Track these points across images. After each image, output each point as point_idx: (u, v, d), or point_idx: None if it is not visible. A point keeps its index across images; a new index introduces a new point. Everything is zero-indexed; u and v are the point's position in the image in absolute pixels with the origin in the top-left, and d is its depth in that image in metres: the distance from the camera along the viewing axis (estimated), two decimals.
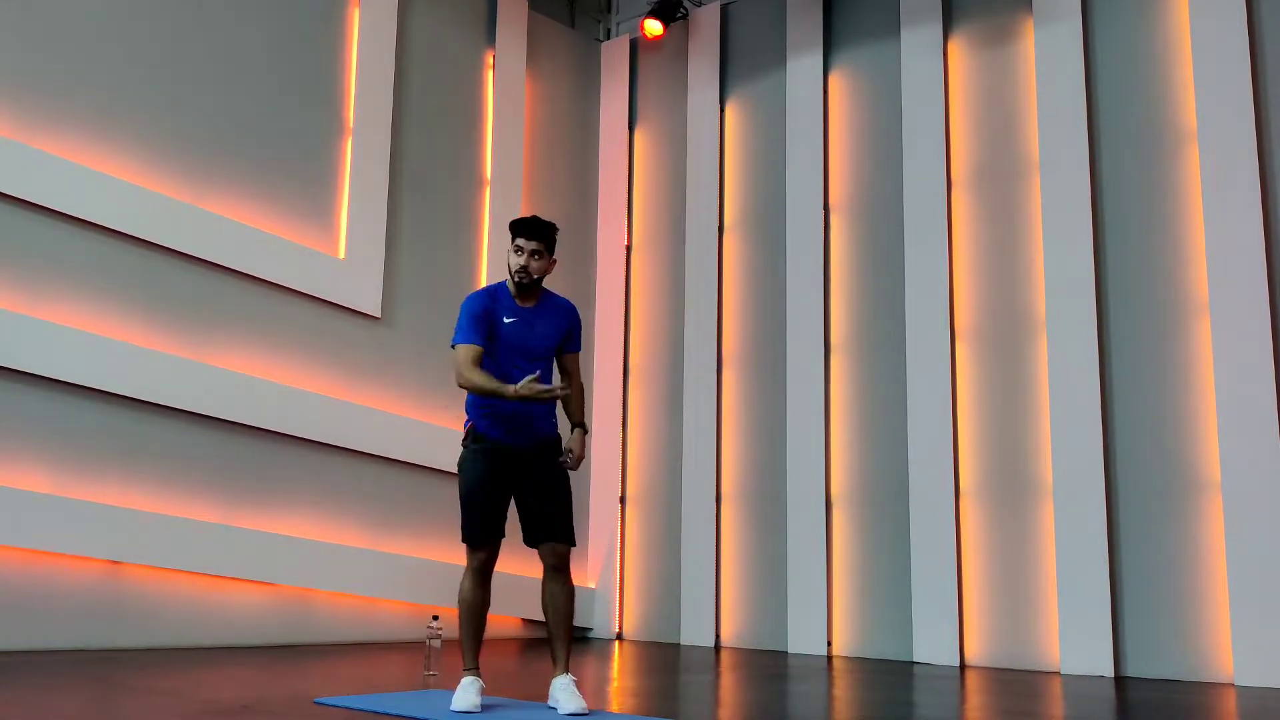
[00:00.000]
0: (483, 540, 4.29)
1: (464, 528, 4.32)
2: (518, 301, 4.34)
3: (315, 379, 7.58)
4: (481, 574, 4.31)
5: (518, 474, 4.33)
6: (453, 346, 4.29)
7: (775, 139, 8.79)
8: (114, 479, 6.54)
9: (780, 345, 8.46)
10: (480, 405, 4.33)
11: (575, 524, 4.49)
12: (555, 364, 4.51)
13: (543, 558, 4.35)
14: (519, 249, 4.26)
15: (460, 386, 4.25)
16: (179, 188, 7.03)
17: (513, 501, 4.39)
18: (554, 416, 4.44)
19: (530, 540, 4.36)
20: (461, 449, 4.40)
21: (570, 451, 4.39)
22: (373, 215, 8.01)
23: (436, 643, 5.46)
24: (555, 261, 4.37)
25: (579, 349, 4.55)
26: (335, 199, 7.90)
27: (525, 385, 4.06)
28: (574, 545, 4.38)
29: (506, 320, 4.30)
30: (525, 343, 4.32)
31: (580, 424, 4.49)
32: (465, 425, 4.40)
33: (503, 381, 4.17)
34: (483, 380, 4.17)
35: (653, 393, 9.21)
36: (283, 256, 7.45)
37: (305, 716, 3.97)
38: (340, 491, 7.63)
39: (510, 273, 4.30)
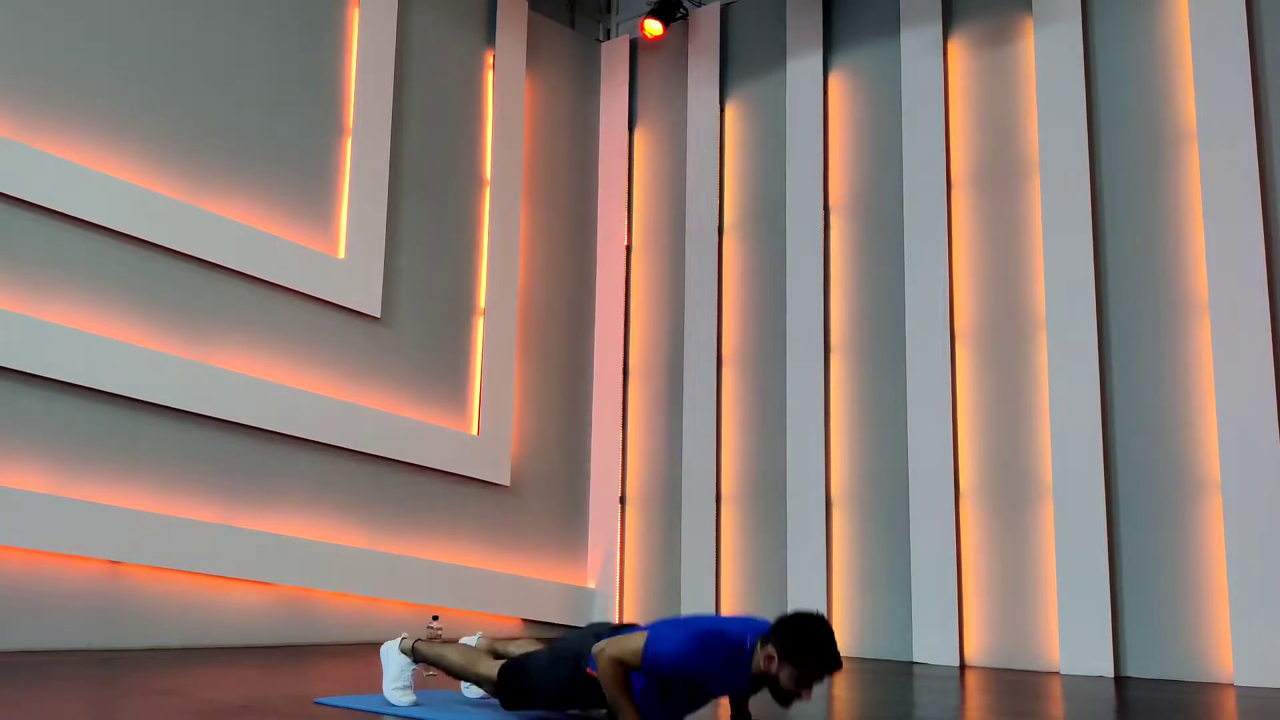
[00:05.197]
0: None
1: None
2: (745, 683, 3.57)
3: (315, 379, 7.58)
4: None
5: None
6: (644, 640, 3.54)
7: (775, 139, 8.79)
8: (114, 479, 6.54)
9: (780, 345, 8.46)
10: None
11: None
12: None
13: None
14: (806, 680, 3.40)
15: (601, 673, 3.58)
16: (179, 188, 7.03)
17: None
18: None
19: None
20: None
21: None
22: (373, 215, 8.01)
23: (436, 642, 5.44)
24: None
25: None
26: (335, 199, 7.89)
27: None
28: None
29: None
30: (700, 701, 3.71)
31: None
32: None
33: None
34: (619, 693, 3.54)
35: (653, 393, 9.20)
36: (283, 256, 7.45)
37: (305, 716, 3.96)
38: (340, 491, 7.62)
39: (771, 682, 3.45)
